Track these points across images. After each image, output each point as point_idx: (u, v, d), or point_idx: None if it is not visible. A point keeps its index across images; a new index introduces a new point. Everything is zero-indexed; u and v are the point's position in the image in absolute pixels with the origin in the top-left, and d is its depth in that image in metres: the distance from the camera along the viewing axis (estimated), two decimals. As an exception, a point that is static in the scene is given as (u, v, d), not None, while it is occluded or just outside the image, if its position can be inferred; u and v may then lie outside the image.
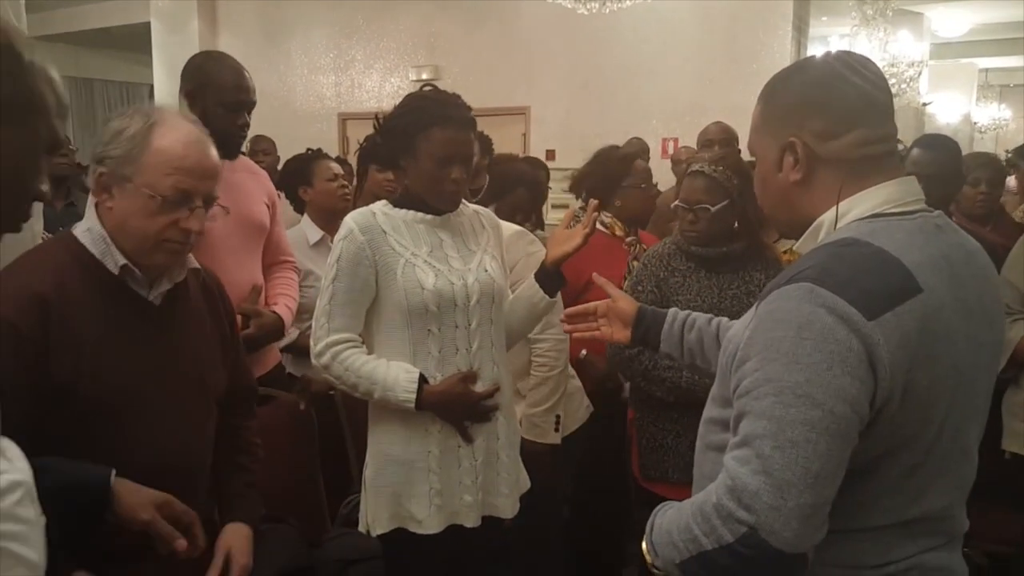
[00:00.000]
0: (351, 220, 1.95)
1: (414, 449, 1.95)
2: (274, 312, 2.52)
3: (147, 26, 8.53)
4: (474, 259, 2.01)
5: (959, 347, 1.14)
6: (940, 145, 2.75)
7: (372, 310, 1.97)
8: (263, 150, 5.38)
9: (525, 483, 2.16)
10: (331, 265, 1.94)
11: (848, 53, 1.30)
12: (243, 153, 2.75)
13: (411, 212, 1.98)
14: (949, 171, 2.67)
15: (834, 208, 1.21)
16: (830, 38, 9.02)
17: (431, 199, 1.97)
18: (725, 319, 1.70)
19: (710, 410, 1.33)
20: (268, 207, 2.63)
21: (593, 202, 2.08)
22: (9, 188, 1.00)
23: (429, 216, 1.98)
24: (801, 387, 1.05)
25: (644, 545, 1.25)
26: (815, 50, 7.96)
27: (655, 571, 1.23)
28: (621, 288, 2.39)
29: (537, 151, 6.76)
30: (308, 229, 3.18)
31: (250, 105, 2.47)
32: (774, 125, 1.28)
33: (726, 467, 1.11)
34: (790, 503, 1.04)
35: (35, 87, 1.00)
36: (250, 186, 2.57)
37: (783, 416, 1.06)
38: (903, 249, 1.13)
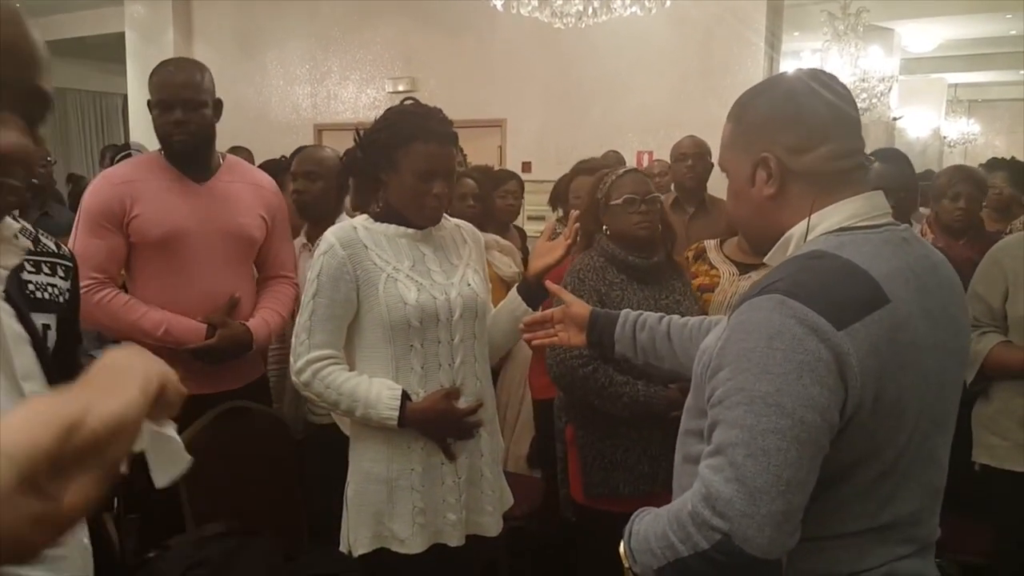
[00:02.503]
0: (332, 235, 1.93)
1: (396, 467, 1.92)
2: (243, 324, 2.49)
3: (121, 36, 8.48)
4: (456, 273, 2.00)
5: (927, 356, 1.17)
6: (897, 158, 2.81)
7: (353, 325, 1.95)
8: (240, 161, 5.34)
9: (508, 500, 2.14)
10: (311, 280, 1.92)
11: (816, 70, 1.33)
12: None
13: (392, 226, 1.96)
14: (910, 183, 2.72)
15: (805, 221, 1.24)
16: (802, 53, 9.13)
17: (412, 214, 1.96)
18: (676, 316, 1.74)
19: (686, 422, 1.35)
20: (265, 220, 2.60)
21: (574, 213, 2.07)
22: None
23: (411, 230, 1.97)
24: (772, 396, 1.08)
25: (622, 550, 1.27)
26: (787, 65, 8.06)
27: None
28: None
29: (513, 163, 6.78)
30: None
31: (182, 102, 2.37)
32: (746, 141, 1.30)
33: (701, 475, 1.13)
34: (762, 510, 1.06)
35: None
36: (244, 196, 2.54)
37: (755, 425, 1.08)
38: (871, 261, 1.16)
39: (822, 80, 1.29)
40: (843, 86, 1.31)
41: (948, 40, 11.77)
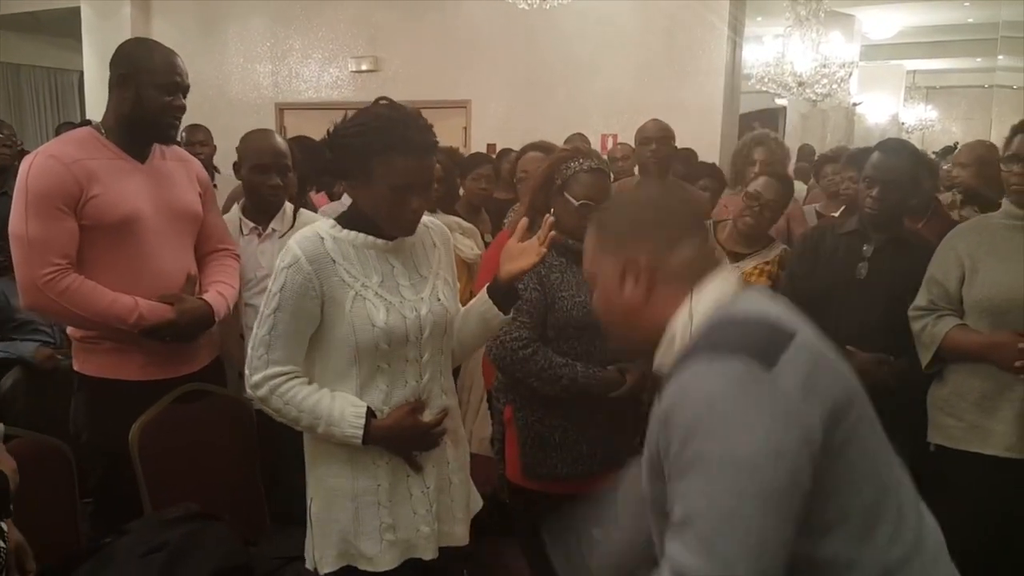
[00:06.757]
0: (297, 247, 1.80)
1: (362, 483, 1.85)
2: (200, 299, 2.44)
3: (77, 11, 8.27)
4: (426, 287, 1.91)
5: (841, 367, 1.22)
6: (897, 151, 2.77)
7: (316, 340, 1.85)
8: (200, 141, 5.25)
9: (477, 503, 2.10)
10: (273, 294, 1.80)
11: (667, 180, 1.42)
12: (178, 143, 2.68)
13: (361, 235, 1.84)
14: (906, 178, 2.70)
15: (686, 314, 1.28)
16: (764, 38, 9.18)
17: (385, 225, 1.84)
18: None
19: (651, 504, 1.31)
20: (200, 196, 2.57)
21: (549, 219, 1.94)
22: None
23: (380, 241, 1.85)
24: (724, 456, 1.08)
25: None
26: (750, 49, 8.11)
27: None
28: None
29: (478, 145, 6.76)
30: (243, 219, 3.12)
31: (184, 88, 2.41)
32: (612, 246, 1.36)
33: (668, 554, 1.11)
34: (740, 572, 1.04)
35: None
36: (180, 175, 2.51)
37: (712, 491, 1.07)
38: (761, 308, 1.25)
39: (672, 185, 1.41)
40: (684, 188, 1.45)
41: (907, 27, 11.92)
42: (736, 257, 2.93)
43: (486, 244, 3.57)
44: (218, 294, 2.49)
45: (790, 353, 1.13)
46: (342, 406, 1.81)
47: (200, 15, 8.05)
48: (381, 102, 1.84)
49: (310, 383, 1.86)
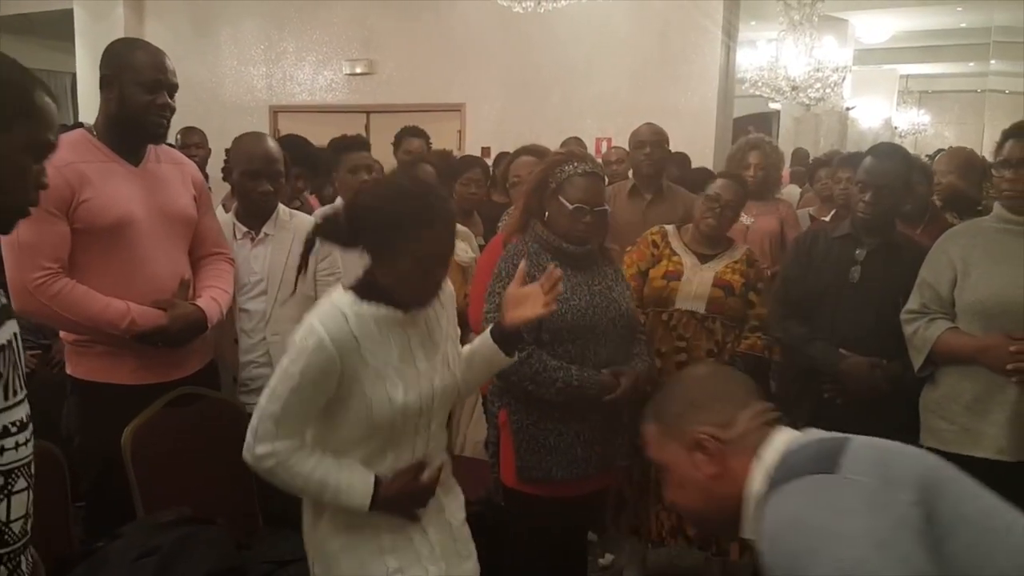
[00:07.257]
0: (321, 327, 1.74)
1: (362, 539, 1.85)
2: (193, 304, 2.43)
3: (70, 13, 8.26)
4: (438, 355, 1.89)
5: (910, 449, 1.25)
6: (889, 155, 2.78)
7: (328, 408, 1.81)
8: (195, 143, 5.23)
9: (471, 539, 2.08)
10: (291, 374, 1.74)
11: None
12: (172, 145, 2.67)
13: (381, 308, 1.79)
14: (899, 182, 2.72)
15: (759, 475, 1.29)
16: (758, 42, 9.21)
17: (404, 298, 1.81)
18: None
19: None
20: (195, 199, 2.55)
21: (557, 272, 1.96)
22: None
23: (399, 314, 1.81)
24: (835, 574, 1.05)
25: None
26: (744, 53, 8.14)
27: None
28: (487, 288, 2.41)
29: (472, 148, 6.78)
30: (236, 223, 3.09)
31: (169, 86, 2.38)
32: (674, 432, 1.38)
33: None
34: None
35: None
36: (175, 178, 2.49)
37: None
38: (809, 435, 1.31)
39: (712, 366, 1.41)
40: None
41: (900, 31, 11.97)
42: (704, 258, 2.95)
43: (480, 247, 3.58)
44: (212, 299, 2.48)
45: (849, 454, 1.17)
46: (350, 477, 1.80)
47: (193, 17, 8.04)
48: (399, 174, 1.87)
49: (313, 450, 1.83)
